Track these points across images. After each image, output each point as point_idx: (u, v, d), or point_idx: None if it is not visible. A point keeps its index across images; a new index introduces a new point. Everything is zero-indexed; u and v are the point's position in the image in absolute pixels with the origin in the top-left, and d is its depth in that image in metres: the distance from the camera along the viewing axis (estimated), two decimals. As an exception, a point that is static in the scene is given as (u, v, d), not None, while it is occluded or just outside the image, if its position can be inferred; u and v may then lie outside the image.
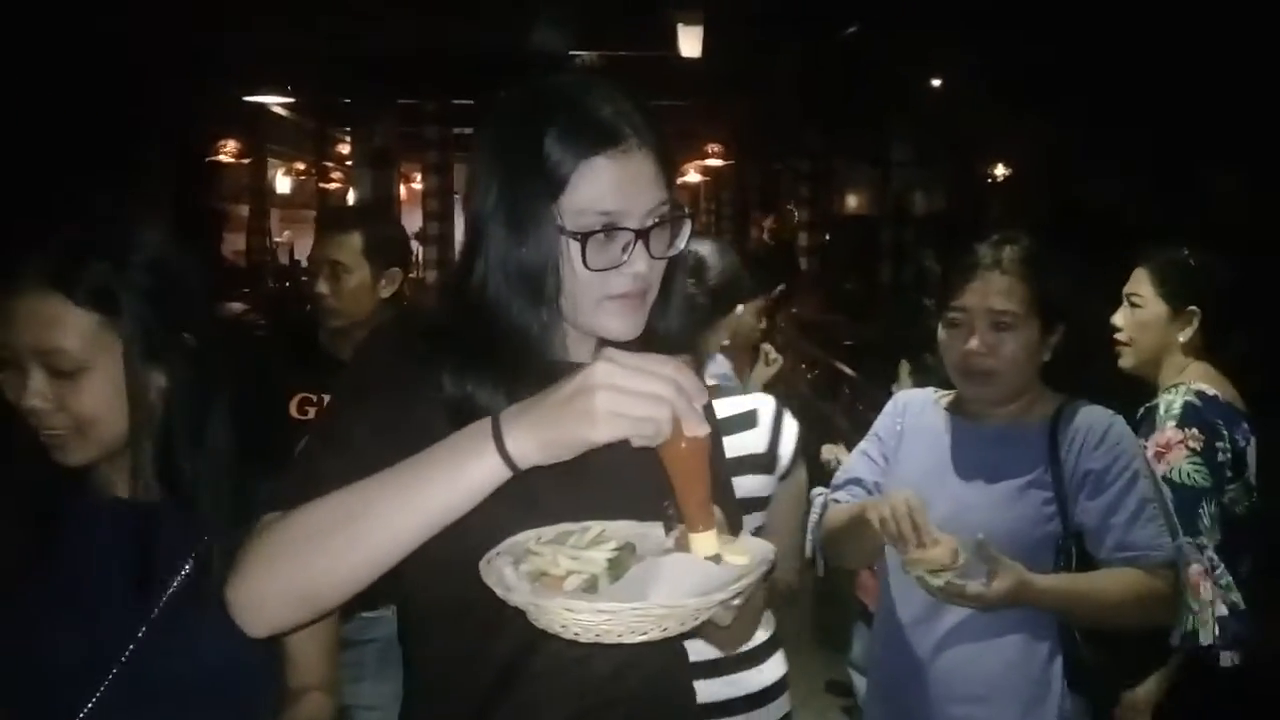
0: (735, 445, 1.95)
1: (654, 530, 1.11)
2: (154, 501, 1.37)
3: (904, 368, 3.14)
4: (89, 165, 6.97)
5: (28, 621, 1.32)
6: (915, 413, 2.02)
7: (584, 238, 1.12)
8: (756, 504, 2.01)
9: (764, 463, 2.02)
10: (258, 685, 1.42)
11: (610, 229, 1.13)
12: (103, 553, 1.36)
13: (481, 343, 1.16)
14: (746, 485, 1.96)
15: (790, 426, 2.06)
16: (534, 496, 1.04)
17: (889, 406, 2.08)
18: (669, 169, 1.20)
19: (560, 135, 1.14)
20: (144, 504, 1.37)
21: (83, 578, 1.34)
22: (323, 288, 2.51)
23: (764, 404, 2.05)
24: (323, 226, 2.65)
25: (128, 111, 7.42)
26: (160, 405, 1.34)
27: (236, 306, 7.27)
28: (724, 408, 1.92)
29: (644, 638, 0.98)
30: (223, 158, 9.72)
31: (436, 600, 1.17)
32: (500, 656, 1.19)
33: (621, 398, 0.96)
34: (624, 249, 1.14)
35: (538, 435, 0.98)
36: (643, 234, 1.14)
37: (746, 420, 2.03)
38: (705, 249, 2.09)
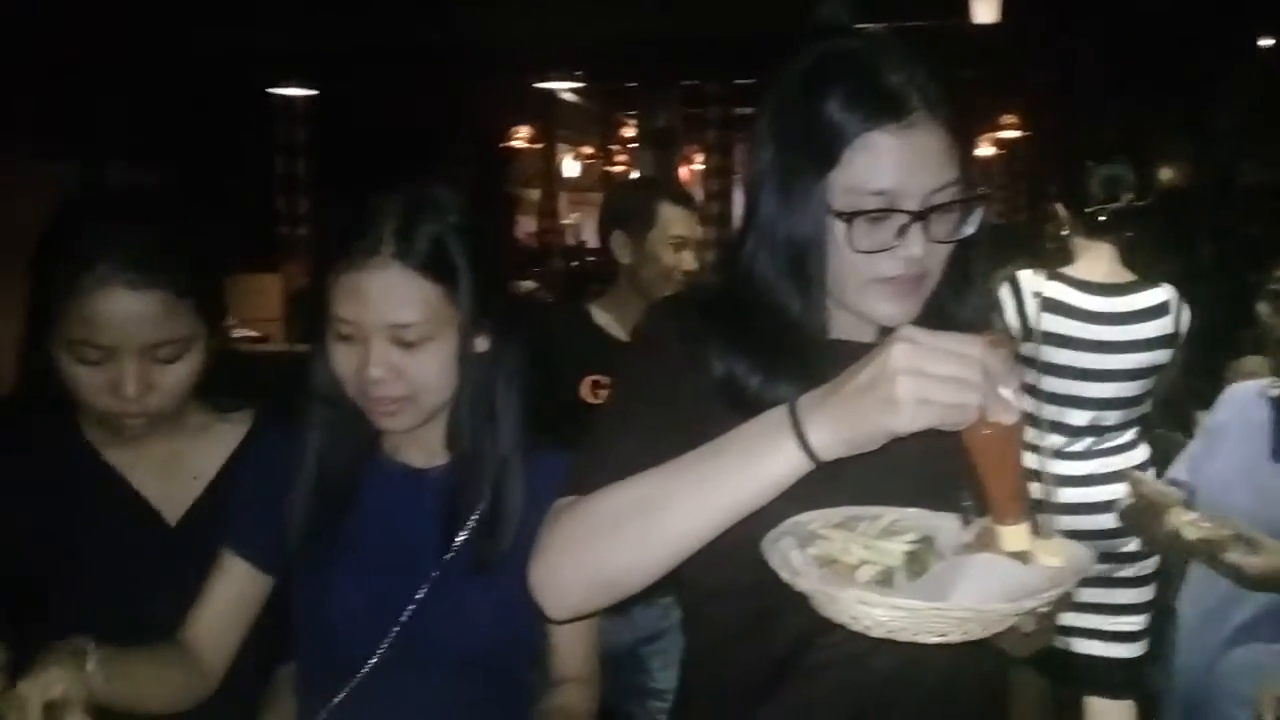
0: None
1: (947, 521, 1.03)
2: (440, 467, 1.42)
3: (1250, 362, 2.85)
4: (406, 157, 7.49)
5: (322, 581, 1.39)
6: (1239, 405, 1.90)
7: (851, 218, 1.05)
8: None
9: None
10: (524, 660, 1.45)
11: (884, 211, 1.05)
12: (391, 517, 1.41)
13: (747, 320, 1.12)
14: None
15: None
16: (816, 476, 0.97)
17: (1219, 399, 1.93)
18: (961, 145, 1.10)
19: (840, 104, 1.07)
20: (431, 470, 1.42)
21: (372, 540, 1.40)
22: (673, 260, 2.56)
23: None
24: (678, 204, 2.69)
25: (436, 106, 7.92)
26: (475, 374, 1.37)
27: (529, 285, 7.61)
28: None
29: (940, 639, 0.90)
30: (516, 144, 10.18)
31: (712, 583, 1.14)
32: (779, 644, 1.14)
33: (926, 383, 0.88)
34: (899, 231, 1.06)
35: (839, 427, 0.91)
36: (922, 216, 1.05)
37: None
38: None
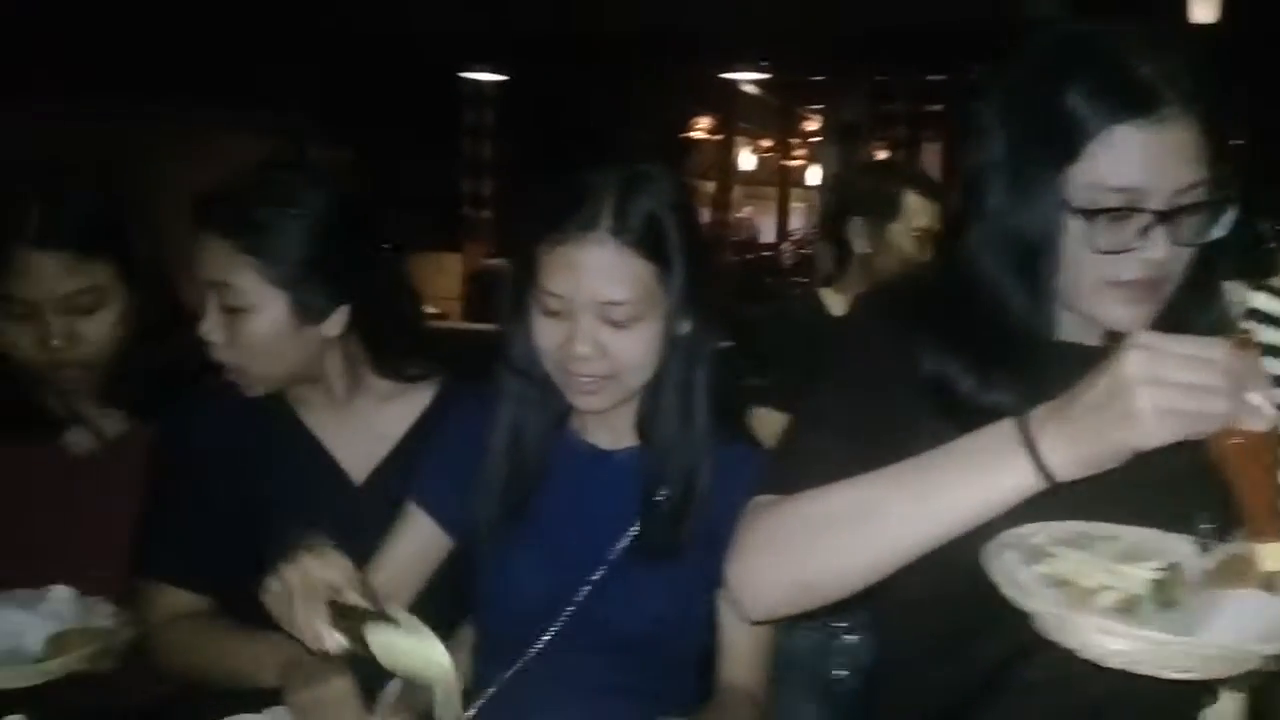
0: None
1: (1183, 546, 0.96)
2: (627, 449, 1.41)
3: None
4: (587, 142, 7.58)
5: (504, 553, 1.41)
6: None
7: (1091, 215, 0.98)
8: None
9: None
10: (693, 650, 1.44)
11: (1127, 209, 0.98)
12: (575, 496, 1.41)
13: (963, 317, 1.06)
14: None
15: None
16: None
17: None
18: (1215, 142, 1.01)
19: (1085, 94, 1.00)
20: (618, 452, 1.42)
21: (555, 518, 1.40)
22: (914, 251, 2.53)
23: None
24: (924, 194, 2.63)
25: (620, 93, 7.98)
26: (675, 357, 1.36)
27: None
28: None
29: (1184, 675, 0.83)
30: (695, 134, 10.17)
31: (911, 594, 1.08)
32: (980, 663, 1.09)
33: (1168, 392, 0.81)
34: (1140, 232, 0.98)
35: (1076, 446, 0.86)
36: (1167, 217, 0.98)
37: None
38: None
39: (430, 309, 6.54)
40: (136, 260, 1.60)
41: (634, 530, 1.38)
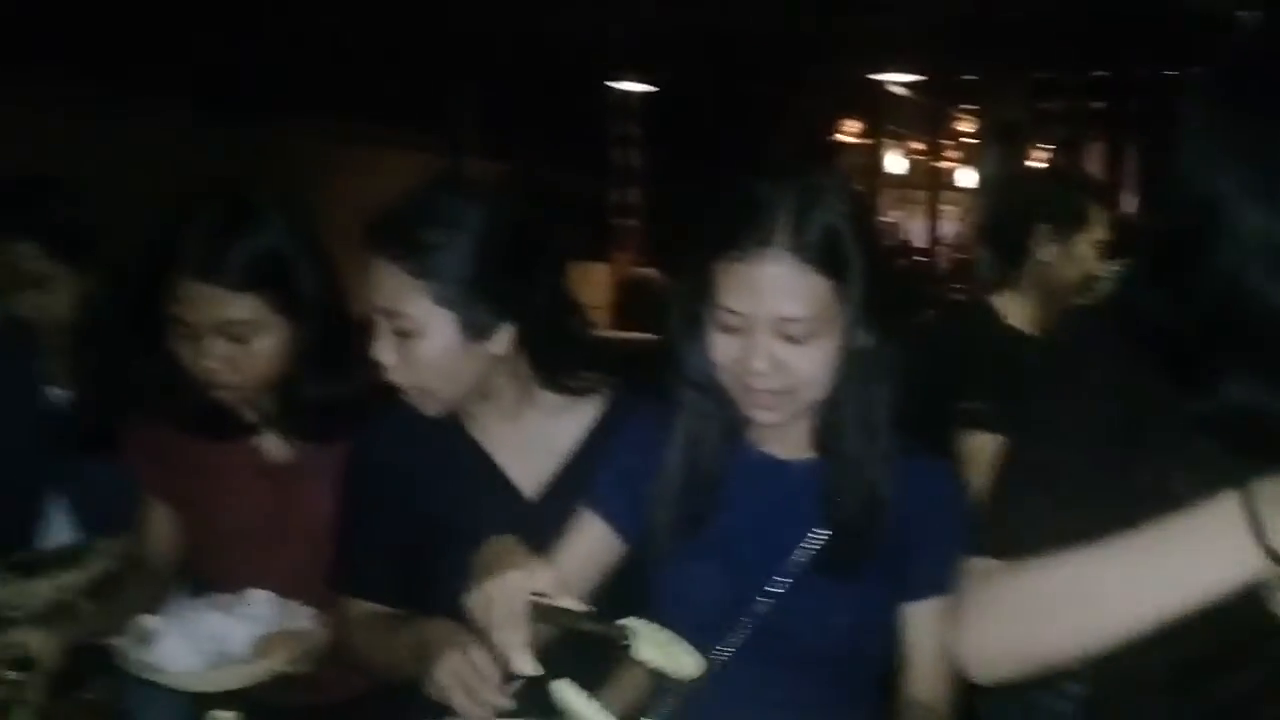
0: None
1: None
2: (806, 461, 1.39)
3: None
4: (735, 149, 7.54)
5: (680, 566, 1.40)
6: None
7: None
8: None
9: None
10: (876, 667, 1.41)
11: None
12: (754, 509, 1.39)
13: (1254, 339, 0.95)
14: None
15: None
16: None
17: None
18: None
19: None
20: (797, 464, 1.39)
21: (733, 531, 1.39)
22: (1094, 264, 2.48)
23: None
24: (1104, 206, 2.59)
25: (767, 98, 7.92)
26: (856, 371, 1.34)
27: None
28: None
29: None
30: (842, 138, 10.02)
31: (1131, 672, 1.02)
32: (1227, 695, 1.00)
33: None
34: None
35: None
36: None
37: None
38: None
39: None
40: (298, 293, 1.62)
41: (815, 542, 1.36)
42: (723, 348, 1.32)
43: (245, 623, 1.54)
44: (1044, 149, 7.87)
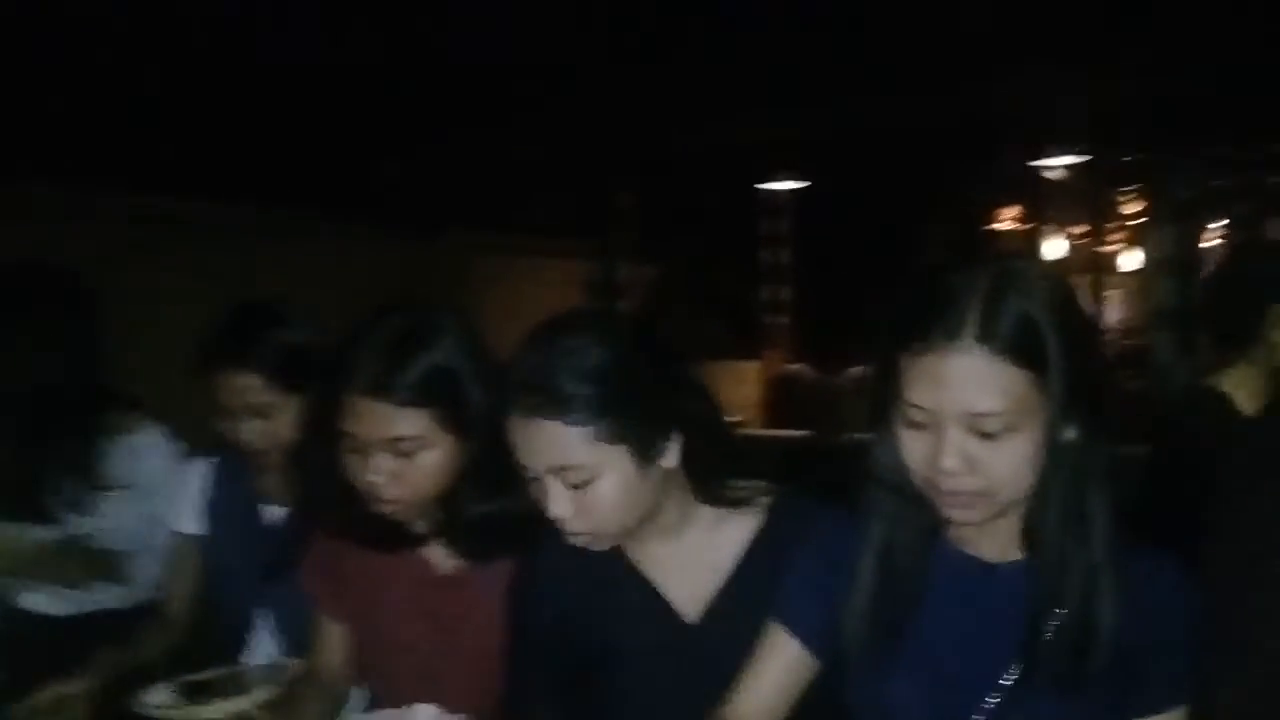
0: None
1: None
2: (1016, 563, 1.29)
3: None
4: (887, 242, 7.45)
5: (882, 679, 1.31)
6: None
7: None
8: None
9: None
10: None
11: None
12: (959, 614, 1.30)
13: None
14: None
15: None
16: None
17: None
18: None
19: None
20: (1006, 566, 1.30)
21: (937, 639, 1.29)
22: None
23: None
24: None
25: (919, 190, 7.81)
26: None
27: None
28: None
29: None
30: (1000, 225, 9.78)
31: None
32: None
33: None
34: None
35: None
36: None
37: None
38: None
39: (732, 417, 6.56)
40: (465, 410, 1.59)
41: (1029, 654, 1.25)
42: (911, 445, 1.24)
43: (413, 741, 1.51)
44: (1218, 227, 7.49)
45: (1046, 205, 10.04)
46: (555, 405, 1.37)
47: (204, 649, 2.20)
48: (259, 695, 1.84)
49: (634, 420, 1.39)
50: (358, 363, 1.56)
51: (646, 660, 1.48)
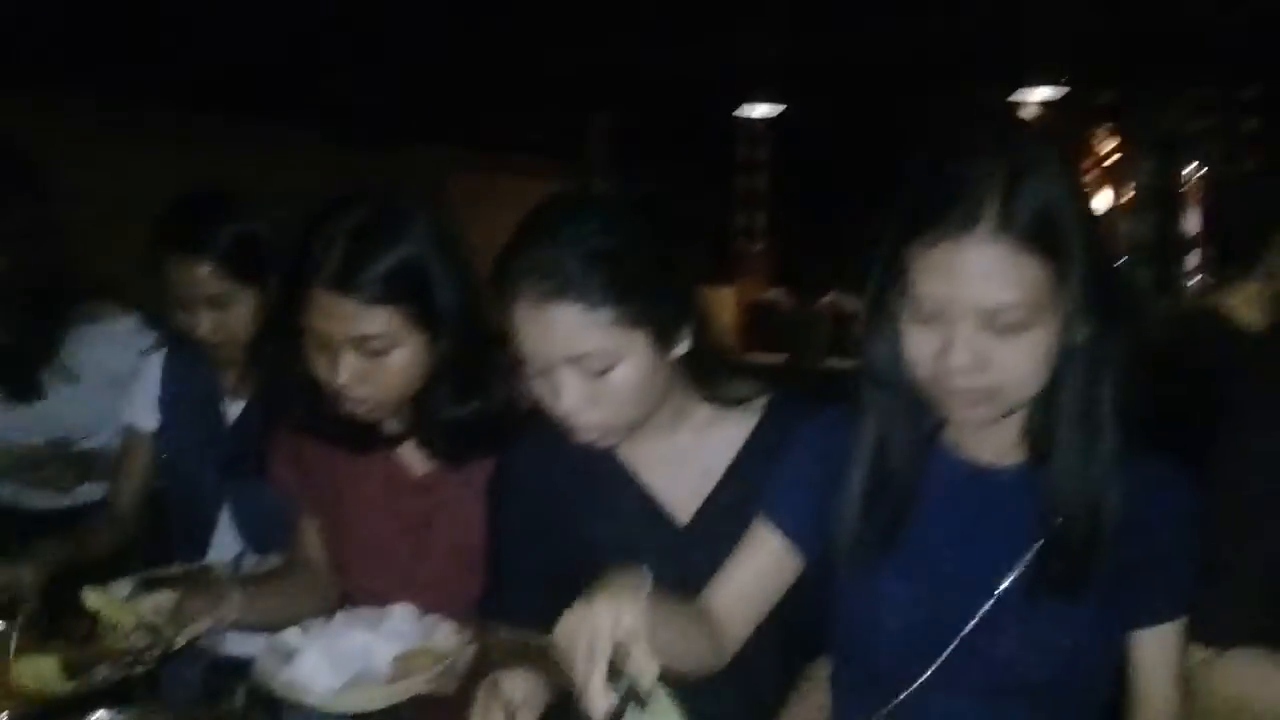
0: None
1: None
2: (1014, 467, 1.25)
3: None
4: (863, 170, 7.42)
5: (870, 584, 1.28)
6: None
7: None
8: None
9: None
10: (1100, 695, 1.27)
11: None
12: (953, 520, 1.27)
13: None
14: None
15: None
16: None
17: None
18: None
19: None
20: (1003, 470, 1.26)
21: (930, 545, 1.26)
22: None
23: None
24: None
25: (895, 119, 7.76)
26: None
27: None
28: None
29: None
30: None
31: None
32: None
33: None
34: None
35: None
36: None
37: None
38: None
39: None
40: (436, 308, 1.54)
41: (1028, 559, 1.22)
42: (918, 341, 1.18)
43: (387, 640, 1.51)
44: (1195, 167, 7.50)
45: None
46: (571, 290, 1.29)
47: (163, 548, 2.17)
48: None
49: (653, 303, 1.33)
50: (321, 254, 1.48)
51: (634, 562, 1.39)
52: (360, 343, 1.50)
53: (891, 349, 1.23)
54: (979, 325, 1.13)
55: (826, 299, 7.22)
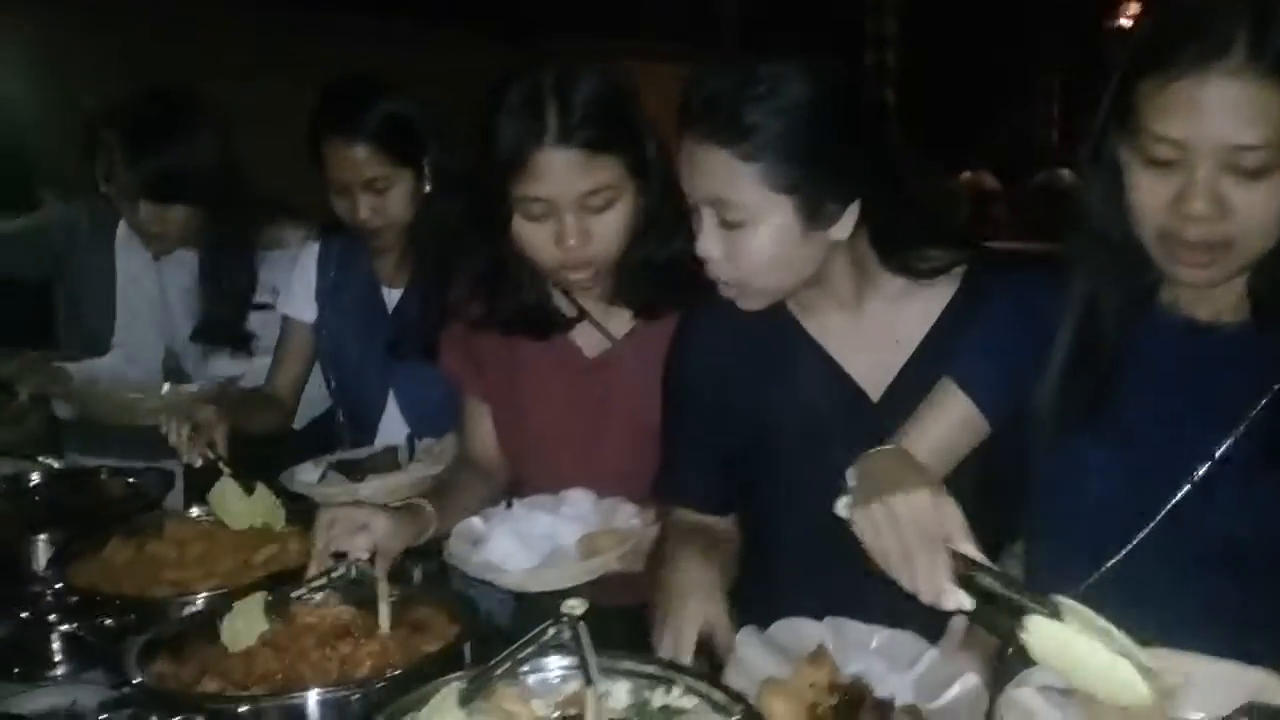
0: None
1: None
2: (1236, 324, 1.17)
3: None
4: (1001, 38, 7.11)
5: (1074, 451, 1.22)
6: None
7: None
8: None
9: None
10: None
11: None
12: (1165, 381, 1.19)
13: None
14: None
15: None
16: None
17: None
18: None
19: None
20: (1223, 327, 1.18)
21: (1139, 408, 1.19)
22: None
23: None
24: None
25: None
26: None
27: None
28: None
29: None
30: (1124, 23, 9.22)
31: None
32: None
33: None
34: None
35: None
36: None
37: None
38: None
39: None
40: (645, 157, 1.56)
41: (1248, 423, 1.15)
42: (1149, 187, 1.10)
43: (570, 523, 1.55)
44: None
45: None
46: (729, 132, 1.27)
47: (330, 433, 2.27)
48: (416, 471, 1.87)
49: (810, 174, 1.28)
50: (543, 113, 1.49)
51: (820, 438, 1.39)
52: (585, 199, 1.52)
53: (1112, 199, 1.15)
54: (1220, 168, 1.05)
55: (964, 176, 6.97)
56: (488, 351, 1.77)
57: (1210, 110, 1.04)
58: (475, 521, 1.59)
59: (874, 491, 1.08)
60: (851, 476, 1.15)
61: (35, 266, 2.93)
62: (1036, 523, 1.34)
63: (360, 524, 1.44)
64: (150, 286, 2.51)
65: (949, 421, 1.29)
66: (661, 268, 1.60)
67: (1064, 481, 1.26)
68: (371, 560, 1.42)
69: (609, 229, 1.55)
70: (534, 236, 1.56)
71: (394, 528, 1.48)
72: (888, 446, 1.18)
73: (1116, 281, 1.20)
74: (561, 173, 1.49)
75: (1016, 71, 9.16)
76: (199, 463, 1.80)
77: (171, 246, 2.38)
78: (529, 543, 1.51)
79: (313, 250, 2.24)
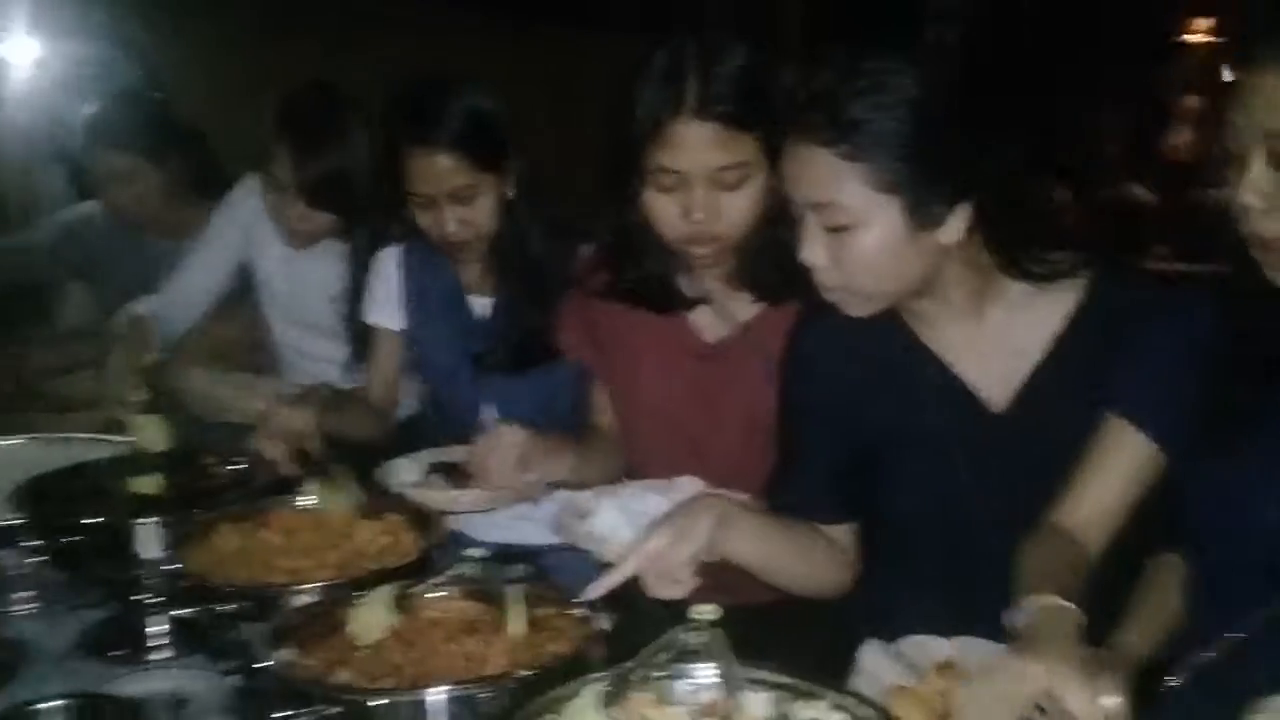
0: None
1: None
2: None
3: None
4: (1059, 51, 7.02)
5: (1237, 472, 1.15)
6: None
7: None
8: None
9: None
10: None
11: None
12: None
13: None
14: None
15: None
16: None
17: None
18: None
19: None
20: None
21: None
22: None
23: None
24: None
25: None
26: None
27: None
28: None
29: None
30: (1188, 39, 9.09)
31: None
32: None
33: None
34: None
35: None
36: None
37: None
38: None
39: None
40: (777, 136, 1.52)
41: None
42: (1256, 188, 1.04)
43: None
44: None
45: (1237, 18, 9.30)
46: (832, 132, 1.25)
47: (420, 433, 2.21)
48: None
49: (917, 173, 1.25)
50: (678, 86, 1.47)
51: (939, 451, 1.37)
52: (718, 175, 1.51)
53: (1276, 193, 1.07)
54: None
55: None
56: (606, 329, 1.75)
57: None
58: (583, 496, 1.60)
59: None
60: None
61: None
62: (1198, 547, 1.27)
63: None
64: (281, 275, 2.50)
65: (1131, 464, 1.24)
66: (787, 253, 1.55)
67: (1223, 501, 1.20)
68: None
69: (738, 207, 1.54)
70: (663, 208, 1.54)
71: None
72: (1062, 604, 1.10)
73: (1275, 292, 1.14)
74: (696, 145, 1.48)
75: (1083, 85, 9.09)
76: (296, 473, 1.79)
77: (314, 241, 2.39)
78: (635, 518, 1.51)
79: (392, 255, 2.14)
